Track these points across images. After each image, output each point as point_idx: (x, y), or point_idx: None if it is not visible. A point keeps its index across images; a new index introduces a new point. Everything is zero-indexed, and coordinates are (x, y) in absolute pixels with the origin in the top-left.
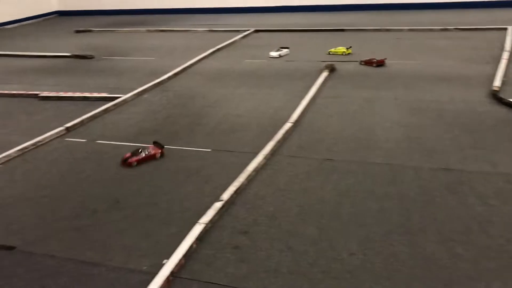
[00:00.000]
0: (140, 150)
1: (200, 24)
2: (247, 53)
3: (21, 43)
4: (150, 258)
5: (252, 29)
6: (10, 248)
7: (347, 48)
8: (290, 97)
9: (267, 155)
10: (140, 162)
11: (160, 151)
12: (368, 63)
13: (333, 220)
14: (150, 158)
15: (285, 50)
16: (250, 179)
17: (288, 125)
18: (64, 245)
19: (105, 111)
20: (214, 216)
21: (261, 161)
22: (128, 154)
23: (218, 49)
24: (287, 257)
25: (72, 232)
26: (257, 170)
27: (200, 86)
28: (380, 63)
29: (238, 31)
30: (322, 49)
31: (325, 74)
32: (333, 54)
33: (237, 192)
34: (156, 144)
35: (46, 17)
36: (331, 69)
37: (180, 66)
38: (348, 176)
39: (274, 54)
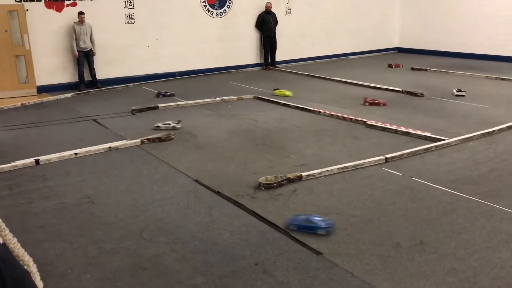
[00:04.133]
0: None
1: None
2: None
3: (359, 72)
4: None
5: None
6: (318, 253)
7: None
8: None
9: None
10: None
11: None
12: None
13: None
14: None
15: None
16: None
17: None
18: (364, 268)
19: (426, 150)
20: None
21: None
22: None
23: None
24: None
25: (374, 257)
26: None
27: None
28: None
29: None
30: None
31: None
32: None
33: None
34: None
35: (386, 52)
36: None
37: None
38: None
39: None
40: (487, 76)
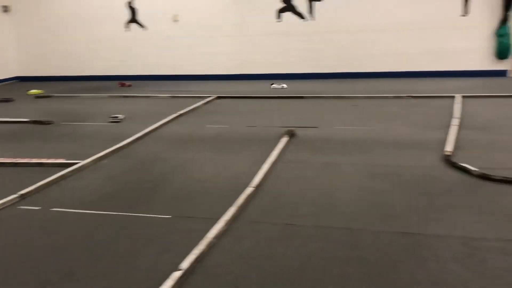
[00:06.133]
0: None
1: (162, 90)
2: (209, 119)
3: None
4: None
5: (214, 96)
6: None
7: None
8: (252, 162)
9: (228, 221)
10: None
11: None
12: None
13: (295, 287)
14: None
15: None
16: (211, 246)
17: (249, 190)
18: None
19: (62, 177)
20: (173, 286)
21: (222, 227)
22: None
23: (180, 115)
24: None
25: None
26: (218, 237)
27: (162, 151)
28: None
29: (200, 97)
30: (281, 115)
31: (285, 139)
32: None
33: (197, 260)
34: None
35: (6, 82)
36: (291, 135)
37: (141, 131)
38: (310, 242)
39: (276, 86)
40: (110, 96)
